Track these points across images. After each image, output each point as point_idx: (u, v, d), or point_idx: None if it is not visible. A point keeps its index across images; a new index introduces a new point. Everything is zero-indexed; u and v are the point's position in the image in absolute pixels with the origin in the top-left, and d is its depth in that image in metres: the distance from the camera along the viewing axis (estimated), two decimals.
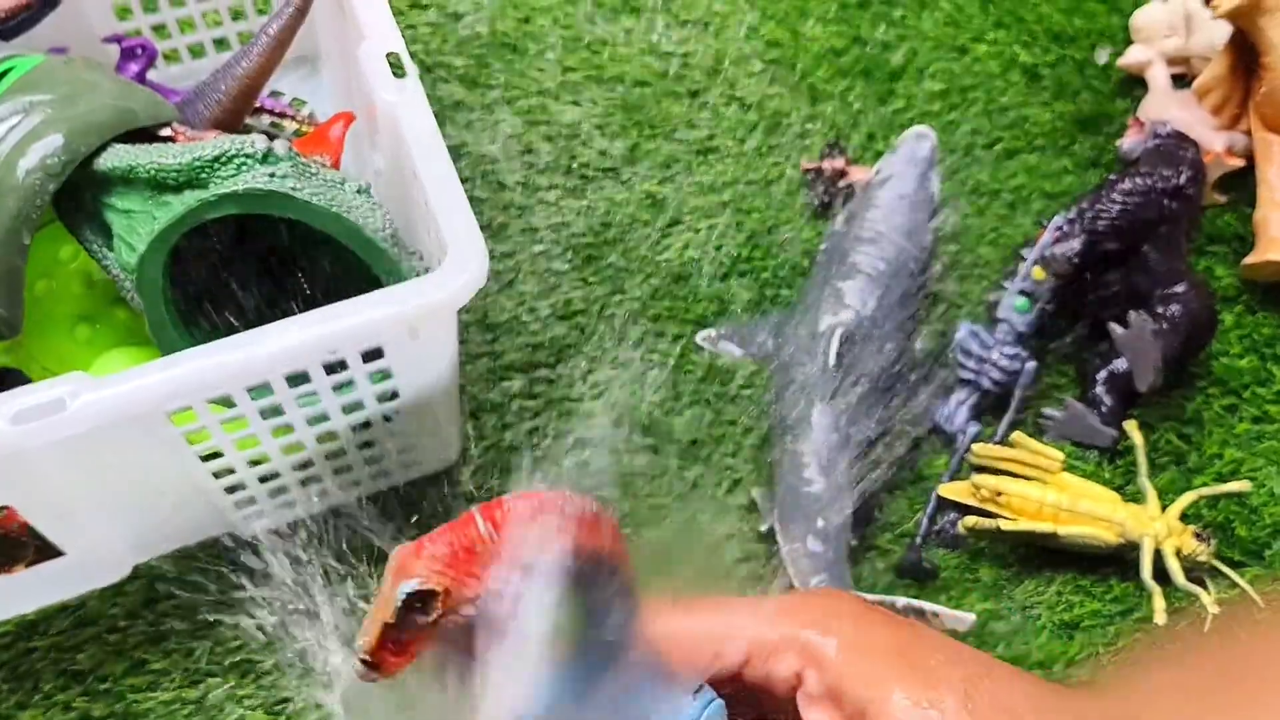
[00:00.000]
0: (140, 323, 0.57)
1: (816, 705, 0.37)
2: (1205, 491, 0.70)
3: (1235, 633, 0.37)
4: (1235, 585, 0.68)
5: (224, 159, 0.55)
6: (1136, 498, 0.71)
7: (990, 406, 0.75)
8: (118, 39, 0.78)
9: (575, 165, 0.84)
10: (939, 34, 0.92)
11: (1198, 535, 0.68)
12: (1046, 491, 0.69)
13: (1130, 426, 0.72)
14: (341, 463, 0.64)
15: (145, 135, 0.59)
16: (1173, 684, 0.34)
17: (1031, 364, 0.73)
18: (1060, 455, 0.70)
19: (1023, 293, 0.74)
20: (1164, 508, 0.70)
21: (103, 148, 0.56)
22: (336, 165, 0.66)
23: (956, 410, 0.74)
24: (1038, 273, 0.73)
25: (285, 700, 0.62)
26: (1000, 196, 0.84)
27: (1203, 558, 0.68)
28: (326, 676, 0.63)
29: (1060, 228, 0.73)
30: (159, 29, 0.81)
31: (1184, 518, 0.70)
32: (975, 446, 0.72)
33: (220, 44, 0.84)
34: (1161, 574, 0.68)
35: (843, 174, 0.83)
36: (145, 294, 0.55)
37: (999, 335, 0.74)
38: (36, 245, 0.58)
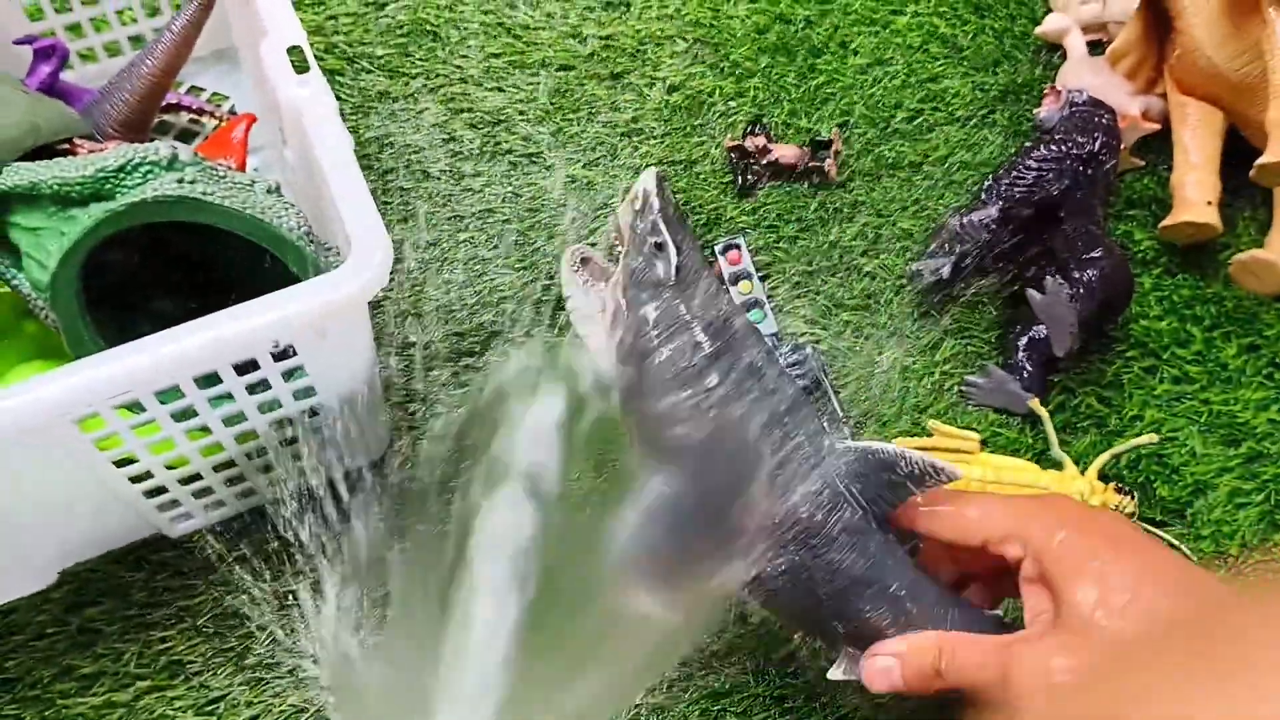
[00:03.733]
0: (50, 336, 0.57)
1: (1031, 585, 0.49)
2: (1117, 449, 0.72)
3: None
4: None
5: (129, 168, 0.54)
6: (1056, 468, 0.72)
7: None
8: (30, 40, 0.77)
9: (500, 152, 0.84)
10: (860, 8, 0.92)
11: (1119, 489, 0.70)
12: (971, 469, 0.70)
13: (1033, 404, 0.73)
14: (265, 461, 0.64)
15: (44, 150, 0.58)
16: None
17: (809, 348, 0.74)
18: (977, 435, 0.71)
19: (754, 305, 0.77)
20: (1082, 471, 0.71)
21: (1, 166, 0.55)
22: (241, 167, 0.66)
23: None
24: (744, 286, 0.78)
25: (217, 700, 0.63)
26: (922, 169, 0.85)
27: (1129, 510, 0.69)
28: (258, 672, 0.64)
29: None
30: (73, 28, 0.81)
31: (1104, 478, 0.71)
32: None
33: (136, 41, 0.83)
34: None
35: (766, 151, 0.83)
36: (60, 310, 0.55)
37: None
38: None
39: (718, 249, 0.79)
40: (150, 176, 0.55)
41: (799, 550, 0.52)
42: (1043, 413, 0.73)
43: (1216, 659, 0.32)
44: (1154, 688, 0.34)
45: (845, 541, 0.52)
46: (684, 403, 0.53)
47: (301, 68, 0.60)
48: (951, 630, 0.52)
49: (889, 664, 0.51)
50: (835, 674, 0.55)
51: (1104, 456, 0.71)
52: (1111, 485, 0.70)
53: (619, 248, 0.58)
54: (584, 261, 0.59)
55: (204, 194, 0.54)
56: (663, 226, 0.56)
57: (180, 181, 0.55)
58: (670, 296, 0.55)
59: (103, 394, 0.50)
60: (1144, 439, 0.72)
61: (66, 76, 0.78)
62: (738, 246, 0.79)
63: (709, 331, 0.54)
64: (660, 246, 0.56)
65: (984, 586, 0.57)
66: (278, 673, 0.64)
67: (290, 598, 0.64)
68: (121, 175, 0.55)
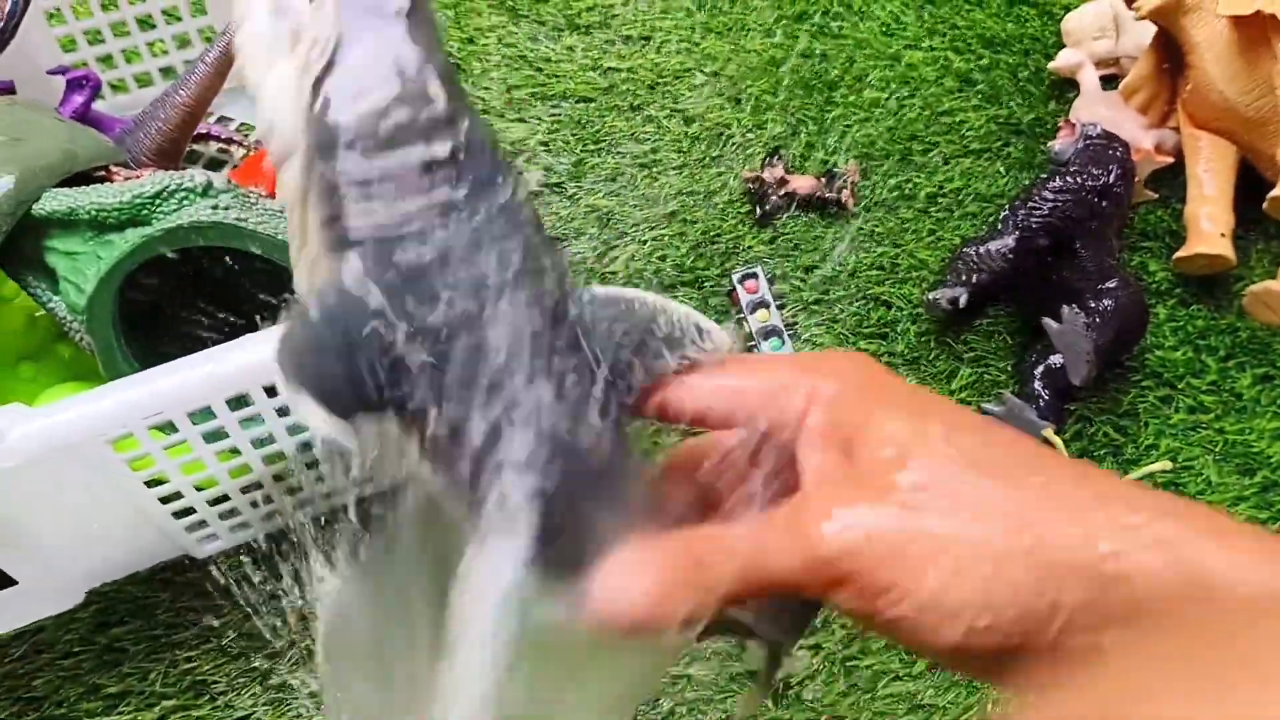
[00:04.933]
0: (83, 359, 0.58)
1: (812, 440, 0.36)
2: (1130, 477, 0.72)
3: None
4: None
5: (165, 195, 0.56)
6: None
7: None
8: (63, 70, 0.79)
9: None
10: (876, 43, 0.94)
11: None
12: None
13: (1048, 432, 0.74)
14: (292, 483, 0.65)
15: (81, 176, 0.59)
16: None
17: None
18: None
19: (773, 333, 0.78)
20: None
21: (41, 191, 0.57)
22: (272, 195, 0.67)
23: None
24: (762, 315, 0.77)
25: (242, 719, 0.63)
26: (937, 200, 0.86)
27: None
28: (281, 693, 0.65)
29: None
30: (105, 59, 0.83)
31: None
32: None
33: (167, 72, 0.85)
34: None
35: (784, 182, 0.84)
36: (96, 332, 0.56)
37: None
38: None
39: (735, 278, 0.80)
40: (186, 203, 0.56)
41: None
42: (1057, 441, 0.73)
43: (1220, 660, 0.32)
44: (1153, 687, 0.33)
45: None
46: (413, 205, 0.34)
47: None
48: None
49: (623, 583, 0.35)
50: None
51: None
52: None
53: None
54: None
55: (238, 220, 0.56)
56: None
57: (215, 208, 0.56)
58: (402, 34, 0.35)
59: (139, 414, 0.51)
60: (1157, 466, 0.73)
61: (98, 106, 0.80)
62: (755, 275, 0.80)
63: (448, 101, 0.34)
64: None
65: None
66: (301, 695, 0.64)
67: (313, 619, 0.65)
68: (158, 201, 0.56)
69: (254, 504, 0.65)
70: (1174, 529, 0.31)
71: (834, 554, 0.32)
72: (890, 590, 0.32)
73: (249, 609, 0.66)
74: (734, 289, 0.80)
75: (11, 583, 0.61)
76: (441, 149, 0.34)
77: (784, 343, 0.78)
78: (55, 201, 0.57)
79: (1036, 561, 0.31)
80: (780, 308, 0.79)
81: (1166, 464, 0.73)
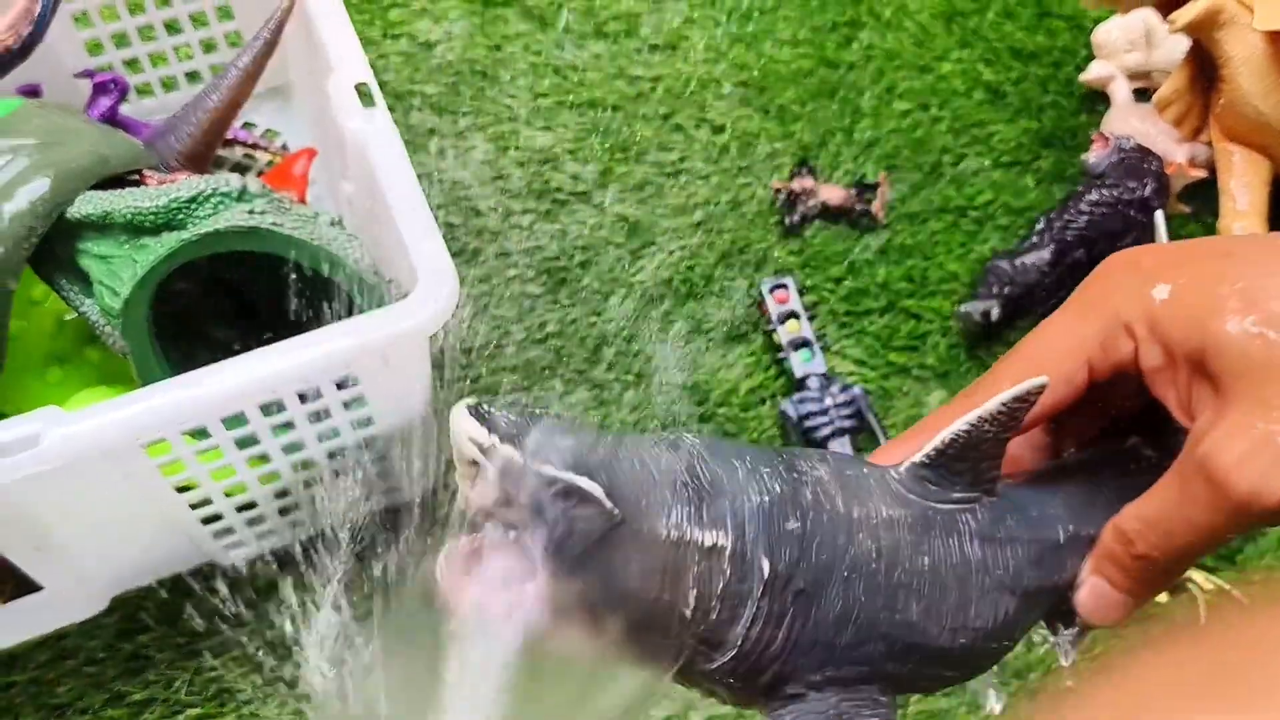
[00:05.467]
0: (112, 362, 0.57)
1: (1160, 375, 0.34)
2: None
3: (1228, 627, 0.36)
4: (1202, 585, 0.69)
5: (200, 199, 0.55)
6: None
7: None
8: (89, 74, 0.79)
9: (548, 189, 0.85)
10: (905, 54, 0.93)
11: None
12: None
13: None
14: (319, 491, 0.64)
15: (114, 180, 0.59)
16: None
17: (857, 389, 0.75)
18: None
19: (803, 344, 0.76)
20: None
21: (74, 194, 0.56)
22: (302, 200, 0.67)
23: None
24: (792, 326, 0.76)
25: None
26: (967, 213, 0.85)
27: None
28: (306, 703, 0.64)
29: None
30: (131, 63, 0.82)
31: None
32: None
33: (192, 77, 0.84)
34: None
35: (812, 193, 0.84)
36: (131, 336, 0.55)
37: (812, 390, 0.75)
38: None
39: (765, 288, 0.79)
40: (221, 208, 0.56)
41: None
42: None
43: (1235, 674, 0.31)
44: (1165, 700, 0.32)
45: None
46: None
47: (368, 102, 0.61)
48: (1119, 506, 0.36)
49: (1101, 587, 0.37)
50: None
51: None
52: None
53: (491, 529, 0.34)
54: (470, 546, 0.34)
55: (274, 225, 0.55)
56: (546, 471, 0.32)
57: (250, 213, 0.56)
58: (631, 545, 0.32)
59: (175, 418, 0.50)
60: None
61: (123, 110, 0.80)
62: (785, 286, 0.79)
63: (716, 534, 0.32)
64: (565, 493, 0.32)
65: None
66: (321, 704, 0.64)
67: (338, 629, 0.64)
68: (193, 205, 0.55)
69: (281, 512, 0.64)
70: None
71: (1249, 494, 0.31)
72: None
73: (275, 617, 0.65)
74: (763, 299, 0.79)
75: (37, 589, 0.60)
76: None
77: (813, 354, 0.77)
78: (90, 205, 0.56)
79: None
80: (811, 319, 0.79)
81: None
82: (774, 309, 0.78)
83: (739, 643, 0.33)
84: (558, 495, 0.32)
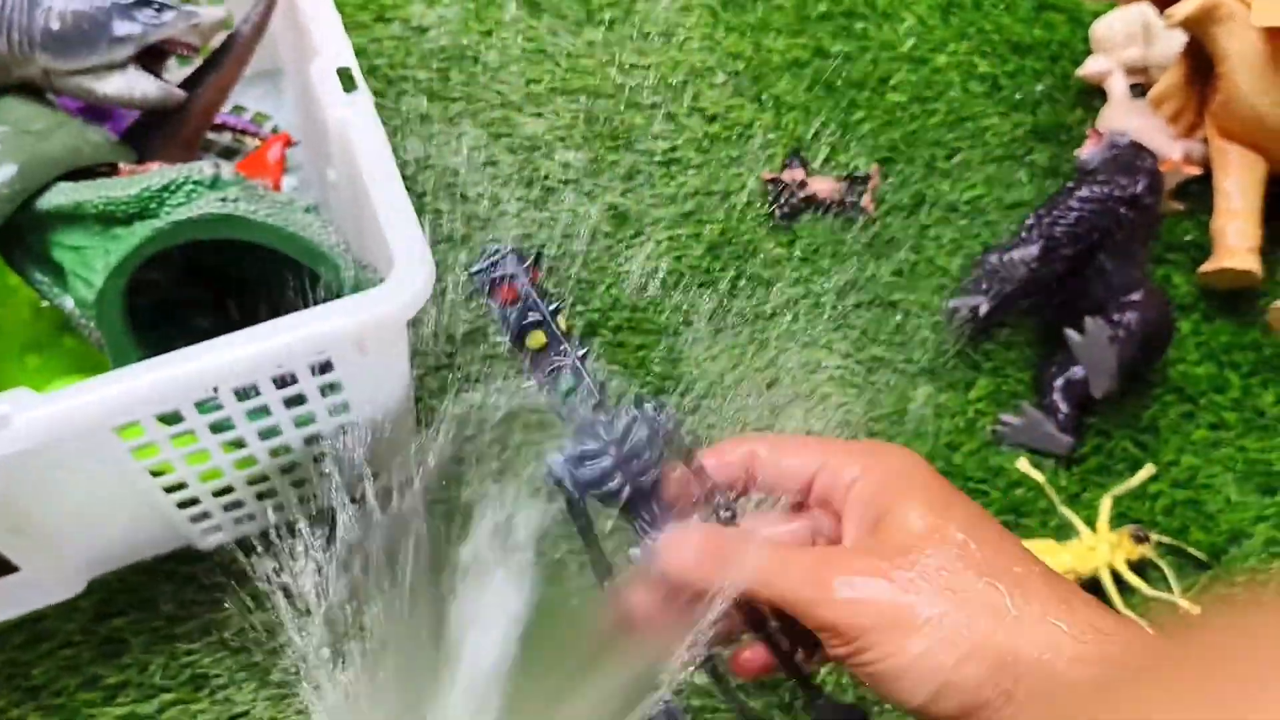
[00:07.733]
0: (89, 350, 0.57)
1: (855, 509, 0.44)
2: (1118, 491, 0.72)
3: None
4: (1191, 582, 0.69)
5: (173, 187, 0.55)
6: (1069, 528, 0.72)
7: None
8: None
9: (538, 177, 0.85)
10: (900, 46, 0.93)
11: (1136, 537, 0.69)
12: None
13: (1023, 464, 0.73)
14: (297, 476, 0.64)
15: (84, 170, 0.59)
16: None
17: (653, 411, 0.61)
18: None
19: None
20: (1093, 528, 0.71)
21: (46, 186, 0.56)
22: (277, 187, 0.67)
23: None
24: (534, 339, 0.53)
25: (240, 715, 0.62)
26: (958, 207, 0.85)
27: (1151, 554, 0.69)
28: (281, 689, 0.64)
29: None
30: None
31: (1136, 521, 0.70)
32: None
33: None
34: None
35: (803, 184, 0.83)
36: (106, 326, 0.55)
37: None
38: None
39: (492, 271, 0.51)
40: (194, 196, 0.55)
41: None
42: (1038, 476, 0.73)
43: (1221, 675, 0.32)
44: (1153, 702, 0.34)
45: None
46: None
47: (349, 87, 0.60)
48: None
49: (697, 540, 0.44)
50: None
51: (1106, 502, 0.71)
52: (1126, 532, 0.69)
53: None
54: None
55: (247, 212, 0.55)
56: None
57: (224, 200, 0.55)
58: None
59: (145, 401, 0.50)
60: (1142, 474, 0.72)
61: None
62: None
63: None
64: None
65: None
66: (300, 690, 0.63)
67: (312, 614, 0.64)
68: (166, 194, 0.55)
69: (259, 497, 0.64)
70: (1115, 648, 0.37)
71: (838, 606, 0.40)
72: (873, 649, 0.39)
73: (251, 602, 0.65)
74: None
75: (14, 569, 0.60)
76: None
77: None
78: (62, 196, 0.56)
79: (1001, 656, 0.37)
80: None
81: (1151, 469, 0.74)
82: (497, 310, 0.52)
83: None
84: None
